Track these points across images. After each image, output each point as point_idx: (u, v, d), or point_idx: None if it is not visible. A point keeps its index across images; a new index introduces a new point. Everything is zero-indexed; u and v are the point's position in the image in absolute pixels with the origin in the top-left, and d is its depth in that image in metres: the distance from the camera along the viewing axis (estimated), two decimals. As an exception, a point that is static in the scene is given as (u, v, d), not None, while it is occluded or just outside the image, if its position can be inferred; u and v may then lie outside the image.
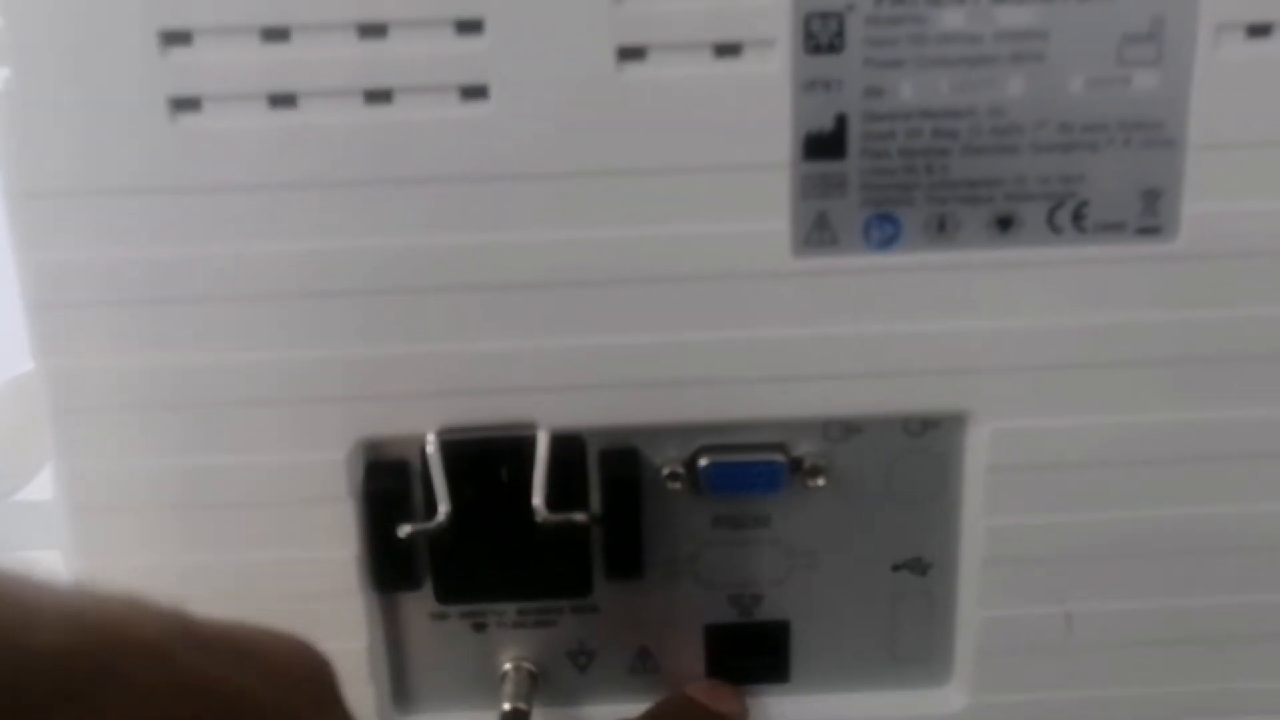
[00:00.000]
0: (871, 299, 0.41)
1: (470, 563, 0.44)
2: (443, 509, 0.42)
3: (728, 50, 0.39)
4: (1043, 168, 0.40)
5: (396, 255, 0.40)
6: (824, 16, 0.38)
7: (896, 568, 0.46)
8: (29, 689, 0.23)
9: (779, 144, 0.39)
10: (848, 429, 0.44)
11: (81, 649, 0.24)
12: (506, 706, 0.45)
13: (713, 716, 0.46)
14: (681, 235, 0.40)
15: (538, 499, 0.42)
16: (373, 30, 0.38)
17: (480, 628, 0.46)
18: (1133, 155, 0.40)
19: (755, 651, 0.47)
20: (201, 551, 0.43)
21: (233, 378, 0.41)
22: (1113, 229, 0.41)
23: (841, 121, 0.39)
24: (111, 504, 0.43)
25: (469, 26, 0.38)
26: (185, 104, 0.39)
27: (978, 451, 0.43)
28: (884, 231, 0.40)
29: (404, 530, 0.42)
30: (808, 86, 0.39)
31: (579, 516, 0.42)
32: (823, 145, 0.39)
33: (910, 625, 0.47)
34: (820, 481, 0.44)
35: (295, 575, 0.43)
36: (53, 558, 0.43)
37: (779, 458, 0.44)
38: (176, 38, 0.38)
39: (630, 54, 0.39)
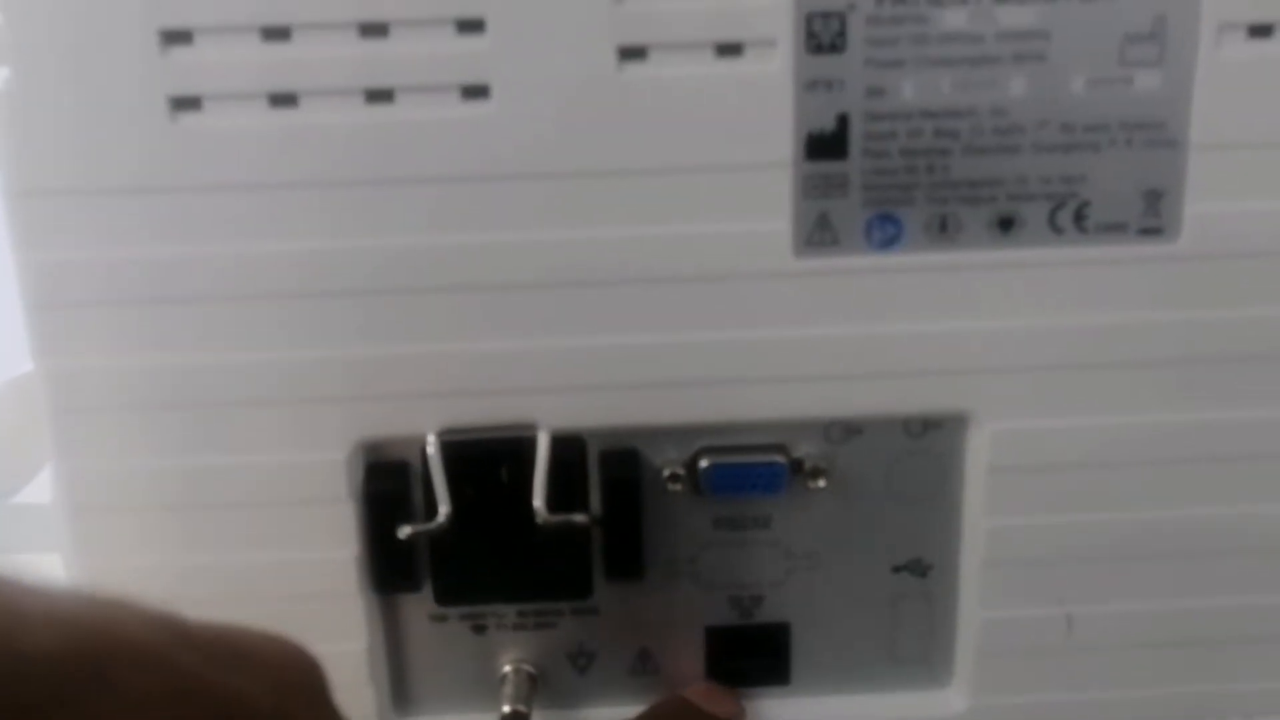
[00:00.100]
0: (873, 299, 0.41)
1: (470, 564, 0.44)
2: (443, 510, 0.42)
3: (729, 50, 0.39)
4: (1044, 168, 0.40)
5: (397, 255, 0.40)
6: (825, 16, 0.38)
7: (897, 569, 0.46)
8: (21, 693, 0.23)
9: (780, 144, 0.39)
10: (848, 430, 0.44)
11: (74, 653, 0.24)
12: (506, 708, 0.45)
13: (707, 719, 0.45)
14: (682, 235, 0.40)
15: (538, 500, 0.42)
16: (374, 30, 0.38)
17: (480, 629, 0.46)
18: (1134, 155, 0.40)
19: (755, 653, 0.47)
20: (201, 552, 0.43)
21: (233, 378, 0.41)
22: (1114, 229, 0.41)
23: (843, 121, 0.39)
24: (111, 504, 0.42)
25: (470, 26, 0.38)
26: (186, 103, 0.39)
27: (978, 452, 0.43)
28: (885, 232, 0.40)
29: (404, 531, 0.42)
30: (809, 86, 0.39)
31: (579, 518, 0.42)
32: (824, 145, 0.39)
33: (911, 627, 0.47)
34: (821, 483, 0.44)
35: (295, 576, 0.43)
36: (51, 560, 0.43)
37: (779, 459, 0.44)
38: (177, 37, 0.38)
39: (631, 54, 0.39)
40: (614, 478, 0.43)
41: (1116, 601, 0.45)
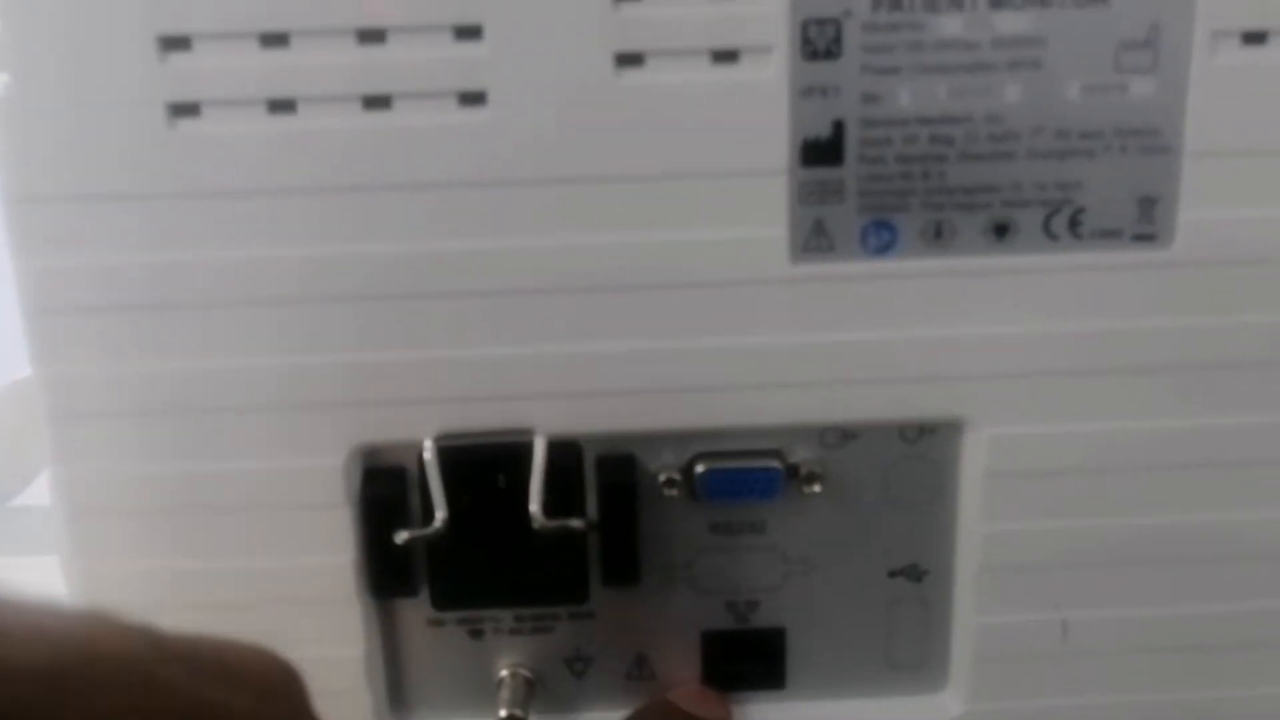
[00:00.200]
0: (868, 305, 0.41)
1: (467, 569, 0.44)
2: (440, 515, 0.42)
3: (725, 56, 0.39)
4: (1039, 174, 0.40)
5: (394, 261, 0.40)
6: (821, 23, 0.38)
7: (893, 574, 0.46)
8: (6, 708, 0.23)
9: (776, 150, 0.40)
10: (844, 435, 0.44)
11: (56, 667, 0.24)
12: (503, 713, 0.45)
13: None
14: (679, 241, 0.40)
15: (534, 505, 0.42)
16: (371, 36, 0.38)
17: (477, 634, 0.46)
18: (1129, 162, 0.40)
19: (751, 658, 0.47)
20: (199, 557, 0.43)
21: (231, 383, 0.41)
22: (1108, 236, 0.41)
23: (839, 128, 0.39)
24: (109, 509, 0.43)
25: (468, 32, 0.38)
26: (184, 109, 0.39)
27: (974, 458, 0.44)
28: (881, 238, 0.41)
29: (401, 536, 0.42)
30: (805, 93, 0.39)
31: (576, 523, 0.42)
32: (820, 151, 0.40)
33: (906, 631, 0.47)
34: (816, 488, 0.44)
35: (293, 581, 0.43)
36: (50, 563, 0.43)
37: (775, 464, 0.44)
38: (176, 43, 0.38)
39: (628, 60, 0.39)
40: (610, 483, 0.43)
41: (1112, 607, 0.45)
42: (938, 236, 0.41)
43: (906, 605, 0.46)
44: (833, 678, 0.47)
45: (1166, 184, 0.40)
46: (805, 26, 0.38)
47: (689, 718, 0.46)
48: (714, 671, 0.47)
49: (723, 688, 0.47)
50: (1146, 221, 0.41)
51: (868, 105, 0.39)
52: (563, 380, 0.42)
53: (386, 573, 0.44)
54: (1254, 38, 0.39)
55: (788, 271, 0.41)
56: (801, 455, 0.44)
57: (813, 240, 0.40)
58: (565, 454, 0.43)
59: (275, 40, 0.38)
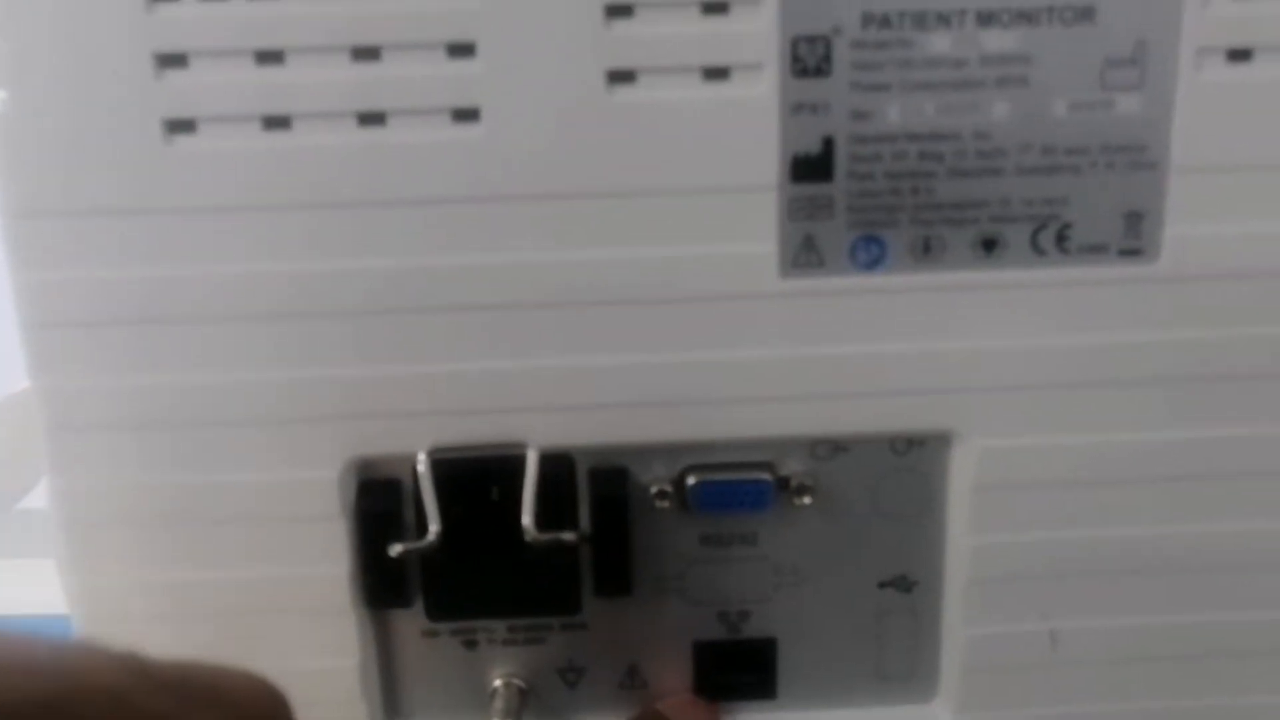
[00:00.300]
0: (858, 320, 0.42)
1: (461, 580, 0.44)
2: (434, 528, 0.42)
3: (716, 74, 0.39)
4: (1026, 190, 0.40)
5: (388, 276, 0.40)
6: (811, 40, 0.39)
7: (882, 585, 0.46)
8: None
9: (767, 166, 0.40)
10: (834, 448, 0.44)
11: (44, 701, 0.24)
12: (497, 722, 0.45)
13: None
14: (670, 257, 0.41)
15: (527, 517, 0.42)
16: (366, 53, 0.39)
17: (471, 645, 0.46)
18: (1115, 178, 0.40)
19: (742, 668, 0.47)
20: (195, 569, 0.43)
21: (226, 397, 0.42)
22: (1095, 251, 0.41)
23: (829, 144, 0.40)
24: (105, 521, 0.43)
25: (461, 50, 0.39)
26: (180, 126, 0.39)
27: (963, 470, 0.44)
28: (870, 253, 0.41)
29: (395, 549, 0.42)
30: (795, 110, 0.39)
31: (568, 535, 0.43)
32: (810, 168, 0.40)
33: (896, 642, 0.47)
34: (807, 500, 0.44)
35: (287, 593, 0.44)
36: (51, 565, 0.44)
37: (766, 476, 0.44)
38: (172, 60, 0.38)
39: (620, 77, 0.39)
40: (602, 495, 0.44)
41: (1100, 617, 0.46)
42: (926, 251, 0.41)
43: (896, 616, 0.47)
44: (823, 688, 0.47)
45: (1152, 199, 0.41)
46: (795, 44, 0.39)
47: None
48: (705, 681, 0.47)
49: (714, 698, 0.47)
50: (1133, 236, 0.41)
51: (857, 122, 0.40)
52: (555, 394, 0.42)
53: (381, 584, 0.44)
54: (1239, 55, 0.40)
55: (778, 286, 0.41)
56: (792, 467, 0.44)
57: (803, 255, 0.41)
58: (558, 467, 0.43)
59: (270, 58, 0.38)
